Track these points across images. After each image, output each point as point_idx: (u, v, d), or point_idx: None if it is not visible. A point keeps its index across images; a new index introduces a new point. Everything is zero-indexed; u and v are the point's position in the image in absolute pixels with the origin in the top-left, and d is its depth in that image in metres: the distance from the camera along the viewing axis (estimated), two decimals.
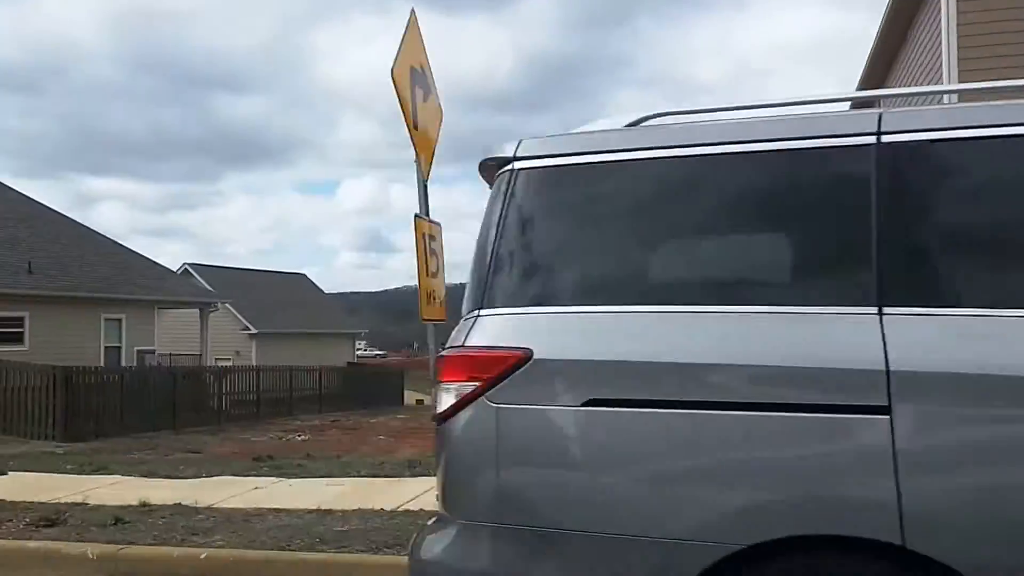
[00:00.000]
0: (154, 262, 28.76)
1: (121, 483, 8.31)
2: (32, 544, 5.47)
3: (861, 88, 16.52)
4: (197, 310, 28.37)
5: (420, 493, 7.11)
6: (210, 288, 31.75)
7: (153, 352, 25.83)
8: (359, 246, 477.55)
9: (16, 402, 18.13)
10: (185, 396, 21.56)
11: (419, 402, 37.56)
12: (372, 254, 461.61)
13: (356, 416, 26.82)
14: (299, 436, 19.75)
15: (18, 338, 21.82)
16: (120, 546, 5.31)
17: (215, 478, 8.61)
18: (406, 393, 36.25)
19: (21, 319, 22.03)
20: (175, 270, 32.69)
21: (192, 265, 36.60)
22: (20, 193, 27.21)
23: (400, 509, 6.45)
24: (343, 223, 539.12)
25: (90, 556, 5.16)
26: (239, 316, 35.29)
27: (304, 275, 48.67)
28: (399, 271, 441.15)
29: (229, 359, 32.28)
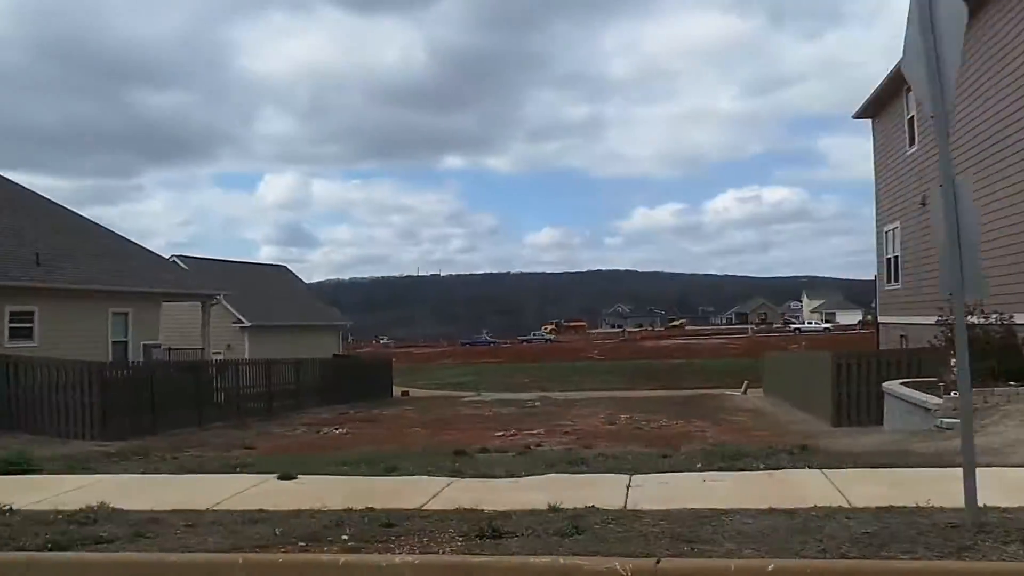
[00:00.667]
0: (156, 254, 28.27)
1: (456, 484, 7.37)
2: (540, 561, 4.90)
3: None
4: (198, 303, 27.90)
5: (834, 488, 6.39)
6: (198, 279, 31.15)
7: (159, 346, 25.29)
8: (280, 240, 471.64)
9: (47, 400, 17.56)
10: (204, 391, 21.39)
11: (404, 393, 37.51)
12: (293, 249, 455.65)
13: (362, 408, 26.77)
14: (336, 429, 19.63)
15: (27, 333, 21.09)
16: (654, 560, 4.80)
17: (543, 476, 7.73)
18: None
19: (31, 314, 21.32)
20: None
21: (180, 257, 35.79)
22: (14, 183, 26.30)
23: (866, 507, 5.71)
24: (263, 217, 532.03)
25: (620, 571, 4.68)
26: (231, 309, 34.63)
27: (285, 267, 48.28)
28: (320, 265, 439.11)
29: (220, 353, 31.70)
